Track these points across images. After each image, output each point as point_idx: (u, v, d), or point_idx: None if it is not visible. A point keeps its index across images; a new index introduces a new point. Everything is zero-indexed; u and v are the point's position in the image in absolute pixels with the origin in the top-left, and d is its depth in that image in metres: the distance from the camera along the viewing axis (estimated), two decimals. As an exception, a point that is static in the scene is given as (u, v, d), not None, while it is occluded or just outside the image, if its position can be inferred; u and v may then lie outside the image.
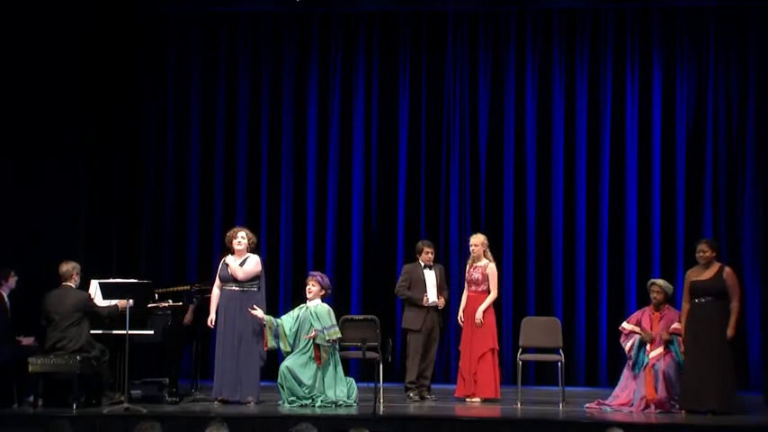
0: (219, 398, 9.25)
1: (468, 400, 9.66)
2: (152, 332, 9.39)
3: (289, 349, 9.32)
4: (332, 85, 12.13)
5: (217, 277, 9.48)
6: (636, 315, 9.52)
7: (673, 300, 9.60)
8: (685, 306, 9.13)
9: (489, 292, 9.76)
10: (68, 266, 9.27)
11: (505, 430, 8.58)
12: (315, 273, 9.70)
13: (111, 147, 11.64)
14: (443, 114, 11.97)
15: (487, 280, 9.77)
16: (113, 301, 9.24)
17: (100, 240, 11.30)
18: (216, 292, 9.45)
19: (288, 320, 9.40)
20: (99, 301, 9.43)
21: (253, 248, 9.54)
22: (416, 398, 9.78)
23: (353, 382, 9.48)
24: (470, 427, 8.65)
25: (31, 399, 9.04)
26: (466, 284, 9.89)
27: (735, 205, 11.48)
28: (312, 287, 9.48)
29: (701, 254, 9.12)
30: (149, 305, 9.51)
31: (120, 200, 11.81)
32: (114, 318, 9.24)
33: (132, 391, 9.33)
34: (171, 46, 12.25)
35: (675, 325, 9.19)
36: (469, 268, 9.89)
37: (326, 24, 12.12)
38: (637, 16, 11.74)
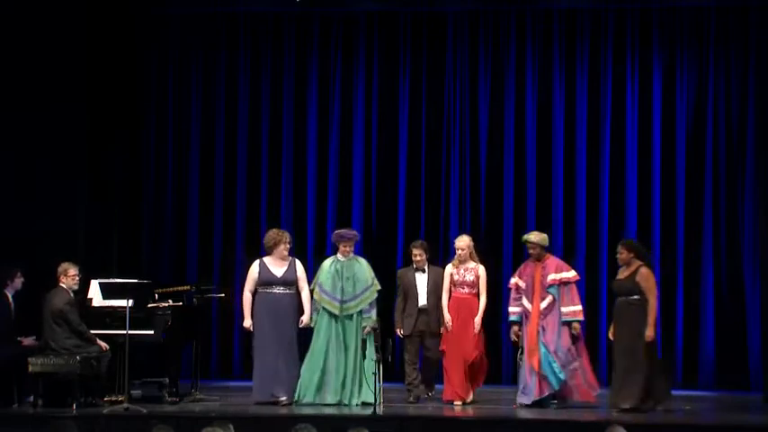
0: (273, 398, 9.16)
1: (456, 402, 9.54)
2: (152, 332, 9.39)
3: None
4: (332, 85, 12.12)
5: (251, 280, 9.37)
6: (521, 268, 9.62)
7: (551, 250, 9.88)
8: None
9: (479, 295, 9.64)
10: (60, 268, 9.26)
11: (505, 430, 8.59)
12: (345, 232, 9.77)
13: (111, 147, 11.65)
14: (443, 114, 11.96)
15: (479, 282, 9.71)
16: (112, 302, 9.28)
17: (100, 240, 11.31)
18: (248, 297, 9.37)
19: (326, 280, 9.46)
20: (99, 301, 9.47)
21: None
22: (414, 399, 9.74)
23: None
24: (469, 427, 8.68)
25: (31, 399, 9.05)
26: (451, 287, 9.65)
27: (735, 205, 11.47)
28: (347, 246, 9.60)
29: (617, 255, 9.26)
30: (149, 305, 9.52)
31: (119, 200, 11.81)
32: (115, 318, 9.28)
33: (132, 391, 9.33)
34: (171, 46, 12.25)
35: (575, 309, 9.31)
36: (457, 270, 9.70)
37: (326, 24, 12.11)
38: (637, 16, 11.73)
